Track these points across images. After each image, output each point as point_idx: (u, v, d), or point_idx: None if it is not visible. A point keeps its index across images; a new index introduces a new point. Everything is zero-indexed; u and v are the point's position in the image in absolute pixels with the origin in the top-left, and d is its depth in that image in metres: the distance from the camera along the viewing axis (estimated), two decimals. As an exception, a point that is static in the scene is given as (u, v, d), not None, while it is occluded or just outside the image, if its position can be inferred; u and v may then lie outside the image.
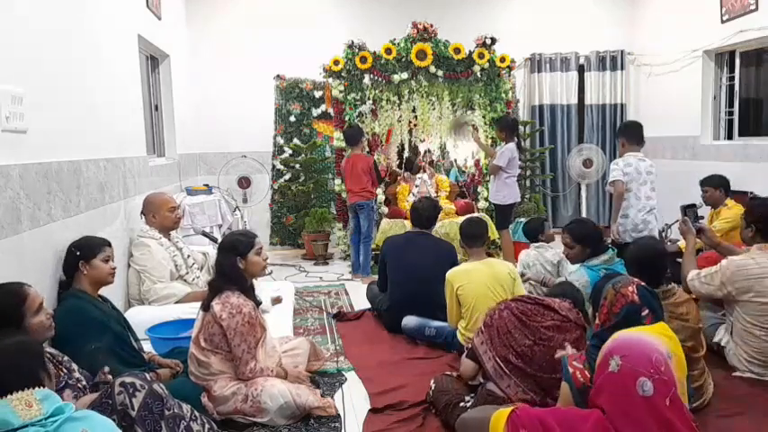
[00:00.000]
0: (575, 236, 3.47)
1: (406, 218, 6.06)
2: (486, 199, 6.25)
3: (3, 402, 1.50)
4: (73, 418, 1.55)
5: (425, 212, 4.17)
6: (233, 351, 2.66)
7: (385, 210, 6.17)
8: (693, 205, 3.72)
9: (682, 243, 4.77)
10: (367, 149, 5.79)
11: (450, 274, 3.43)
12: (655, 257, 2.90)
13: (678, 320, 2.76)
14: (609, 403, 1.87)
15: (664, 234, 4.80)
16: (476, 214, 5.57)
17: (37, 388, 1.56)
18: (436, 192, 6.44)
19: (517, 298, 2.69)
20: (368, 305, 4.47)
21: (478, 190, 6.45)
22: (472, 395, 2.61)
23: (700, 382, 2.74)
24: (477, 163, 6.53)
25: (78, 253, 2.75)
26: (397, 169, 6.60)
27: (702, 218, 4.43)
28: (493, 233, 5.97)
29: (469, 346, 2.74)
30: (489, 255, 5.71)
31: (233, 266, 2.77)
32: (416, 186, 6.50)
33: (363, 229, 5.55)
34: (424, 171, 6.62)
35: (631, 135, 4.44)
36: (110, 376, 2.32)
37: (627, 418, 1.83)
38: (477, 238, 3.58)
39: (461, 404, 2.57)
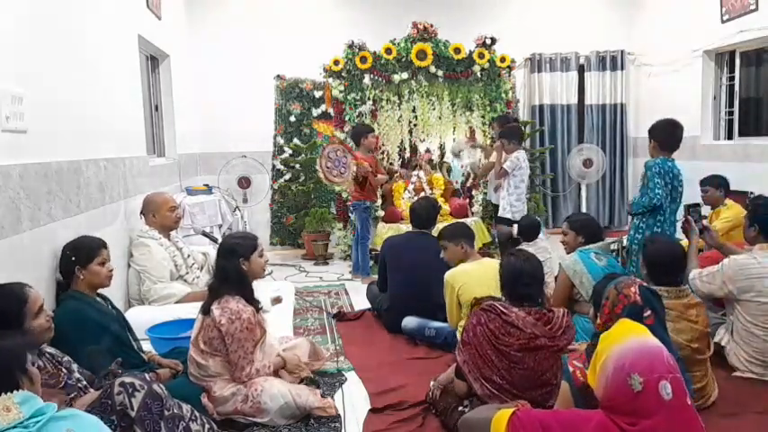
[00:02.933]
0: (571, 222, 3.56)
1: (402, 219, 6.05)
2: (481, 203, 6.25)
3: None
4: (57, 418, 1.55)
5: (424, 213, 4.17)
6: (230, 356, 2.65)
7: (381, 213, 6.15)
8: (697, 205, 3.71)
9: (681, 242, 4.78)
10: (370, 150, 5.70)
11: (449, 275, 3.42)
12: (678, 258, 2.89)
13: (687, 321, 2.75)
14: (656, 424, 1.81)
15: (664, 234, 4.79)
16: (462, 220, 5.56)
17: (16, 391, 1.55)
18: (431, 189, 6.44)
19: (486, 308, 2.55)
20: (368, 305, 4.47)
21: (473, 194, 6.44)
22: (470, 399, 2.59)
23: (702, 383, 2.74)
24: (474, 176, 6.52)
25: (74, 258, 2.72)
26: (393, 167, 6.58)
27: (705, 217, 4.44)
28: (485, 237, 5.99)
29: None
30: (490, 255, 5.74)
31: (237, 269, 2.75)
32: (412, 184, 6.50)
33: (357, 230, 5.55)
34: (421, 168, 6.62)
35: (515, 136, 5.16)
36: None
37: (661, 428, 1.81)
38: (461, 236, 3.56)
39: (460, 408, 2.55)
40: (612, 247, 4.95)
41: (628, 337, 1.93)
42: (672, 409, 1.80)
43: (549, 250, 4.40)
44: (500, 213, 5.21)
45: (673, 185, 3.65)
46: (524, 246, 4.21)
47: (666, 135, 3.70)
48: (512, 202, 5.08)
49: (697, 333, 2.76)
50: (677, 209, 3.73)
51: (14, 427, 1.48)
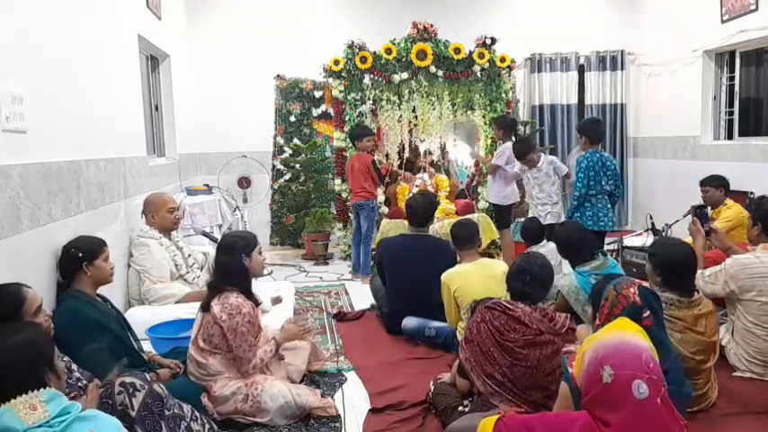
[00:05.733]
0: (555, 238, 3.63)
1: (406, 218, 6.04)
2: (486, 199, 6.25)
3: (6, 408, 1.48)
4: (80, 418, 1.54)
5: (420, 209, 4.11)
6: (234, 351, 2.67)
7: (385, 210, 6.16)
8: (704, 206, 3.71)
9: (682, 243, 4.77)
10: (366, 152, 5.69)
11: (445, 276, 3.42)
12: (691, 260, 2.78)
13: (694, 333, 2.68)
14: (616, 418, 1.83)
15: (664, 234, 4.79)
16: (468, 216, 5.55)
17: (42, 389, 1.54)
18: (436, 191, 6.43)
19: (491, 306, 2.59)
20: (368, 305, 4.47)
21: (478, 190, 6.45)
22: (471, 399, 2.60)
23: (704, 390, 2.71)
24: (476, 163, 6.54)
25: (81, 254, 2.74)
26: (398, 170, 6.58)
27: (713, 219, 4.44)
28: (493, 233, 5.97)
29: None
30: (490, 255, 5.73)
31: (240, 265, 2.78)
32: (416, 186, 6.49)
33: (363, 230, 5.53)
34: (425, 171, 6.62)
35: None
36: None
37: (631, 427, 1.81)
38: (467, 240, 3.58)
39: (460, 408, 2.55)
40: (611, 246, 4.95)
41: (610, 333, 1.95)
42: (645, 409, 1.80)
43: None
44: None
45: (604, 173, 4.31)
46: (533, 248, 4.20)
47: (592, 131, 4.42)
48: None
49: (703, 345, 2.70)
50: (610, 193, 4.40)
51: (39, 426, 1.47)
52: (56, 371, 1.63)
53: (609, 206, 4.42)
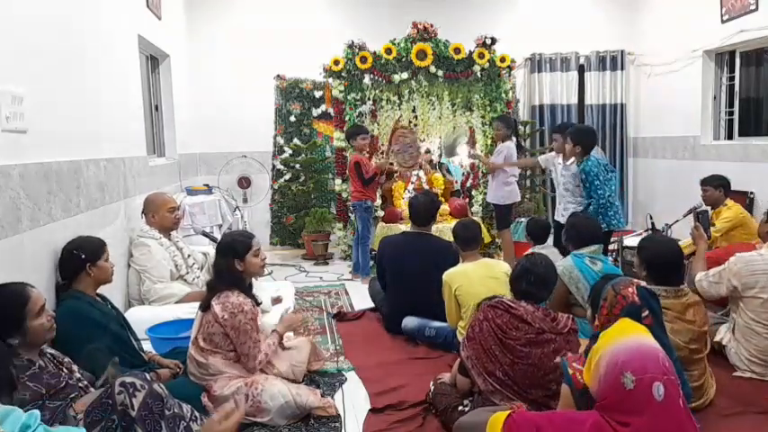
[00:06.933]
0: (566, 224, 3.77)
1: (402, 220, 6.03)
2: (481, 203, 6.25)
3: None
4: None
5: (422, 209, 4.09)
6: (239, 349, 2.68)
7: (381, 213, 6.15)
8: (705, 211, 3.72)
9: (682, 243, 4.78)
10: (361, 151, 5.64)
11: (447, 275, 3.42)
12: (677, 257, 2.86)
13: (684, 322, 2.74)
14: (636, 419, 1.83)
15: (664, 234, 4.79)
16: (469, 218, 5.55)
17: None
18: (431, 189, 6.43)
19: (494, 304, 2.60)
20: (368, 305, 4.47)
21: (473, 193, 6.44)
22: (471, 399, 2.61)
23: (700, 381, 2.74)
24: (473, 166, 6.53)
25: (83, 256, 2.74)
26: (393, 167, 6.57)
27: (713, 225, 4.45)
28: (485, 238, 5.97)
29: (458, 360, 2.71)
30: (489, 255, 5.73)
31: (231, 268, 2.77)
32: (412, 183, 6.50)
33: (358, 230, 5.54)
34: (421, 168, 6.61)
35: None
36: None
37: (650, 427, 1.81)
38: (471, 240, 3.58)
39: (460, 408, 2.56)
40: (611, 246, 4.95)
41: (624, 336, 1.94)
42: (664, 410, 1.80)
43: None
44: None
45: (606, 176, 4.43)
46: (537, 248, 4.20)
47: (589, 141, 4.48)
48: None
49: (695, 334, 2.75)
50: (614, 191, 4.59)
51: None
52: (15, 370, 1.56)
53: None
